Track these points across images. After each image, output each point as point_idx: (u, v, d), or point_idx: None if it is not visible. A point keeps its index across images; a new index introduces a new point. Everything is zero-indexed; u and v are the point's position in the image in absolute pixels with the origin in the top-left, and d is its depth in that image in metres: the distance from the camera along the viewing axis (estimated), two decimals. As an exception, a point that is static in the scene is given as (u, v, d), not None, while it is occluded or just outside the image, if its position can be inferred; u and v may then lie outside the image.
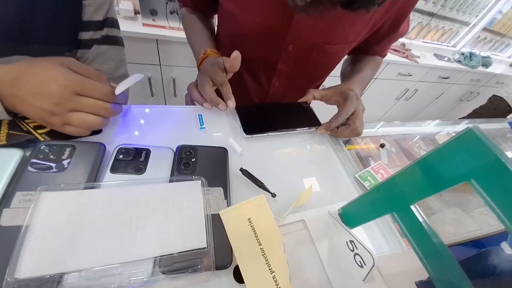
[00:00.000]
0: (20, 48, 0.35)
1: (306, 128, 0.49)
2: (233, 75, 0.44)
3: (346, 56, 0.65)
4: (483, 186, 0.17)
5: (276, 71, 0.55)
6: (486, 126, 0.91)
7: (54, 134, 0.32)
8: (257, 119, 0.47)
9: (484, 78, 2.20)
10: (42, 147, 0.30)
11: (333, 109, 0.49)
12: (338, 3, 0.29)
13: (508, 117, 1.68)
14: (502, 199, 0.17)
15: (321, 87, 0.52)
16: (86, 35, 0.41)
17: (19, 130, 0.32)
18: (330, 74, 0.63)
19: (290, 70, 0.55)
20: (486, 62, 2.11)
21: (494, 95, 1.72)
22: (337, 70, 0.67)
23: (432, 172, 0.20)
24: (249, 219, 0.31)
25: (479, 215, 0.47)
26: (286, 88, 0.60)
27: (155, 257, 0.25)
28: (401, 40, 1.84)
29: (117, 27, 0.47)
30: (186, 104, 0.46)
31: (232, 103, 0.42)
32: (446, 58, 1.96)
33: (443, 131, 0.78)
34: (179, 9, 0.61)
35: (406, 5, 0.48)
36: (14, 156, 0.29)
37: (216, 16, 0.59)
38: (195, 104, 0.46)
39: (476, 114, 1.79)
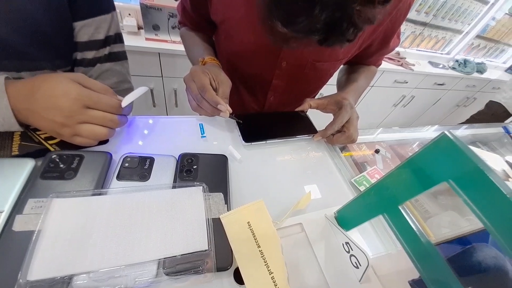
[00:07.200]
0: (27, 65, 0.37)
1: (303, 135, 0.51)
2: (231, 89, 0.46)
3: (342, 66, 0.68)
4: (460, 185, 0.19)
5: (271, 86, 0.58)
6: (483, 130, 0.92)
7: (64, 145, 0.34)
8: (256, 127, 0.49)
9: (479, 84, 2.23)
10: (52, 157, 0.31)
11: (329, 117, 0.51)
12: (314, 40, 0.31)
13: (506, 122, 1.69)
14: (476, 196, 0.18)
15: (318, 96, 0.55)
16: (89, 54, 0.43)
17: (31, 141, 0.34)
18: (327, 83, 0.66)
19: (284, 85, 0.58)
20: (480, 68, 2.15)
21: (491, 101, 1.73)
22: (333, 80, 0.69)
23: (415, 174, 0.22)
24: (248, 222, 0.32)
25: (475, 217, 0.48)
26: (281, 102, 0.63)
27: (159, 259, 0.26)
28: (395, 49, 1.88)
29: (120, 41, 0.48)
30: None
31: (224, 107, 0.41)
32: (441, 65, 2.00)
33: (438, 136, 0.80)
34: (179, 28, 0.64)
35: (393, 24, 0.51)
36: (26, 165, 0.30)
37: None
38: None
39: (474, 119, 1.80)
